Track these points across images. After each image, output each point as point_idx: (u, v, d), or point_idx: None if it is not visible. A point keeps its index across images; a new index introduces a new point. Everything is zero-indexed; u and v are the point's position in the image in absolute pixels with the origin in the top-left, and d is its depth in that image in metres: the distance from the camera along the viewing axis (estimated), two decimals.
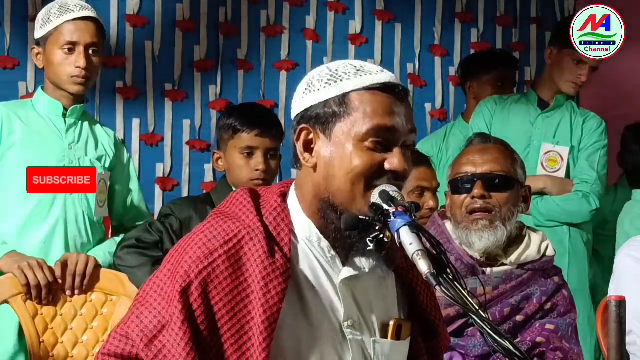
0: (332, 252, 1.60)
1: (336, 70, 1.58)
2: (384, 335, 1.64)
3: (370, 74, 1.56)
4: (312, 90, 1.59)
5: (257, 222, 1.57)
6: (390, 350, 1.64)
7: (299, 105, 1.61)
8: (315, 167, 1.58)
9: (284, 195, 1.64)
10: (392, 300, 1.69)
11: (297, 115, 1.61)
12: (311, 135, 1.58)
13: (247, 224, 1.57)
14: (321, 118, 1.56)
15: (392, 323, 1.64)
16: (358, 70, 1.57)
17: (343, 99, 1.55)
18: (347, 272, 1.59)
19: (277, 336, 1.52)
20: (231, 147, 2.73)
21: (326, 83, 1.57)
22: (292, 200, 1.63)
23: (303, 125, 1.59)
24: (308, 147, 1.59)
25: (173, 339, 1.49)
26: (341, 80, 1.56)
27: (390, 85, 1.56)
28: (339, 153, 1.54)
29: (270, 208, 1.60)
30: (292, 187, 1.65)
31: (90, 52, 2.67)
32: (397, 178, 1.55)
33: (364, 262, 1.60)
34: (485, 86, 3.88)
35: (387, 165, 1.54)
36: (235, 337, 1.51)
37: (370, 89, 1.55)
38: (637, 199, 3.33)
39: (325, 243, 1.59)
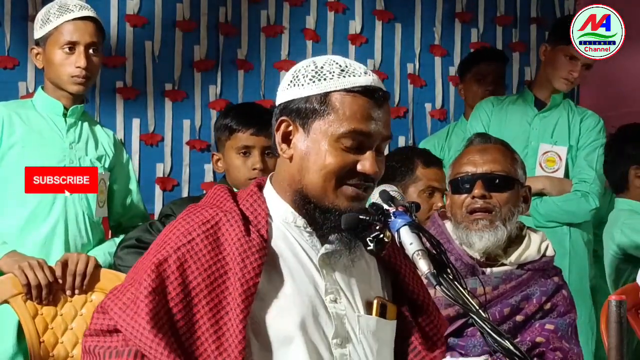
0: (309, 229, 1.65)
1: (322, 67, 1.63)
2: (369, 312, 1.67)
3: (353, 76, 1.61)
4: (296, 84, 1.64)
5: (234, 207, 1.64)
6: (376, 327, 1.66)
7: (282, 96, 1.68)
8: (291, 158, 1.65)
9: (259, 187, 1.71)
10: (376, 281, 1.73)
11: (279, 105, 1.68)
12: (290, 128, 1.65)
13: (224, 209, 1.63)
14: (301, 113, 1.62)
15: (375, 301, 1.68)
16: (342, 71, 1.62)
17: (324, 98, 1.61)
18: (326, 248, 1.64)
19: (256, 308, 1.57)
20: (228, 148, 2.74)
21: (310, 79, 1.63)
22: (268, 189, 1.70)
23: (283, 117, 1.65)
24: (286, 138, 1.66)
25: (140, 308, 1.52)
26: (324, 79, 1.62)
27: (371, 89, 1.61)
28: (314, 149, 1.61)
29: (247, 196, 1.68)
30: (268, 178, 1.72)
31: (90, 51, 2.67)
32: (367, 180, 1.62)
33: (343, 241, 1.65)
34: (469, 85, 3.91)
35: (359, 167, 1.61)
36: (213, 311, 1.55)
37: (351, 91, 1.60)
38: (621, 208, 3.30)
39: (301, 221, 1.65)
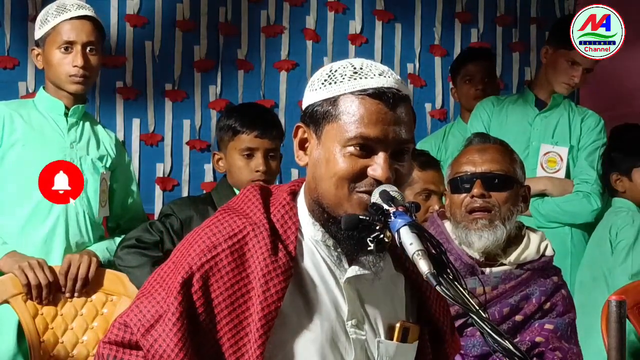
0: (338, 250, 1.60)
1: (335, 70, 1.59)
2: (390, 337, 1.64)
3: (365, 78, 1.56)
4: (312, 90, 1.61)
5: (264, 219, 1.58)
6: (395, 352, 1.64)
7: (304, 102, 1.64)
8: (306, 166, 1.61)
9: (294, 194, 1.65)
10: (400, 302, 1.69)
11: (302, 112, 1.64)
12: (306, 134, 1.61)
13: (253, 220, 1.58)
14: (314, 118, 1.58)
15: (398, 325, 1.64)
16: (355, 73, 1.57)
17: (335, 102, 1.56)
18: (353, 271, 1.60)
19: (277, 332, 1.53)
20: (231, 149, 2.73)
21: (323, 83, 1.58)
22: (301, 199, 1.64)
23: (299, 123, 1.62)
24: (303, 145, 1.62)
25: (169, 329, 1.50)
26: (335, 83, 1.57)
27: (382, 91, 1.54)
28: (325, 155, 1.56)
29: (279, 205, 1.61)
30: (303, 186, 1.66)
31: (88, 50, 2.67)
32: (380, 185, 1.53)
33: (371, 263, 1.60)
34: (461, 87, 3.92)
35: (369, 172, 1.54)
36: (233, 331, 1.52)
37: (361, 93, 1.54)
38: (618, 206, 3.33)
39: (331, 241, 1.60)
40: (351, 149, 1.53)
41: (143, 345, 1.52)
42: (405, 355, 1.67)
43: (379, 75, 1.57)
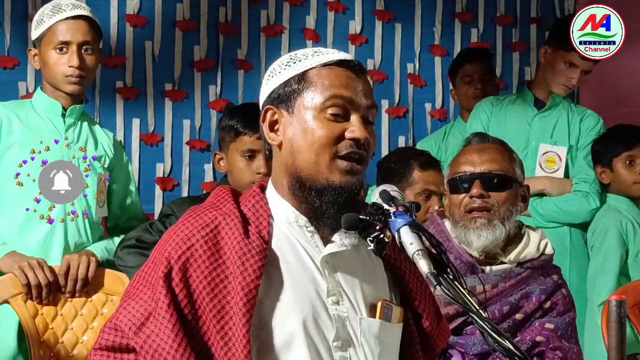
0: (311, 228, 1.63)
1: (295, 54, 1.68)
2: (372, 315, 1.65)
3: (327, 54, 1.65)
4: (273, 75, 1.67)
5: (234, 209, 1.63)
6: (379, 331, 1.64)
7: (263, 92, 1.69)
8: (280, 145, 1.65)
9: (262, 188, 1.70)
10: (382, 283, 1.71)
11: (263, 102, 1.69)
12: (276, 116, 1.65)
13: (223, 211, 1.63)
14: (282, 96, 1.64)
15: (380, 303, 1.66)
16: (315, 52, 1.66)
17: (302, 77, 1.63)
18: (329, 249, 1.63)
19: (258, 312, 1.55)
20: (232, 149, 2.73)
21: (286, 65, 1.66)
22: (270, 189, 1.69)
23: (267, 106, 1.66)
24: (273, 127, 1.66)
25: (160, 323, 1.52)
26: (299, 61, 1.65)
27: (345, 61, 1.64)
28: (301, 126, 1.61)
29: (249, 197, 1.67)
30: (270, 180, 1.71)
31: (84, 50, 2.66)
32: (359, 147, 1.60)
33: (345, 241, 1.63)
34: (459, 87, 3.93)
35: (347, 135, 1.60)
36: (217, 317, 1.54)
37: (326, 65, 1.63)
38: (610, 203, 3.35)
39: (303, 219, 1.64)
40: (327, 112, 1.60)
41: (136, 343, 1.53)
42: (389, 335, 1.67)
43: (337, 52, 1.67)
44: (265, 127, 1.66)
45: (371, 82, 1.68)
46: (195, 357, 1.51)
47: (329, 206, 1.59)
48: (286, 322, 1.57)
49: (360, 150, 1.60)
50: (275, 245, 1.62)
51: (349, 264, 1.65)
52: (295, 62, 1.65)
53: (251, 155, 2.68)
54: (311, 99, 1.61)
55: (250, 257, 1.56)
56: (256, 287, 1.54)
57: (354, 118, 1.61)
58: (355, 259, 1.67)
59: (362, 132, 1.59)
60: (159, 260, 1.57)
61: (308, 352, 1.56)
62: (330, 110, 1.60)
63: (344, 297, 1.63)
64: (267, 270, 1.58)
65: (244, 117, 2.74)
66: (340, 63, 1.63)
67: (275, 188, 1.67)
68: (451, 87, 4.06)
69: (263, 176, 2.67)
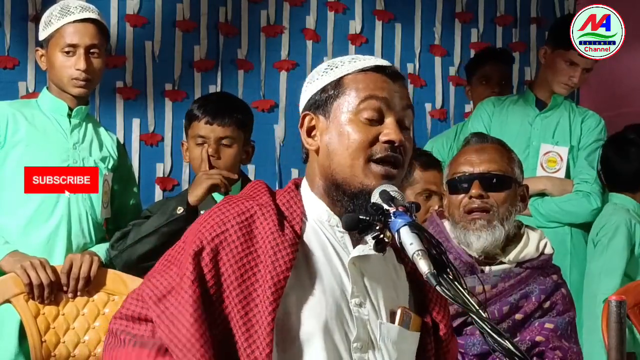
0: (342, 230, 1.65)
1: (333, 62, 1.70)
2: (392, 321, 1.66)
3: (364, 60, 1.67)
4: (311, 82, 1.70)
5: (271, 201, 1.64)
6: (397, 337, 1.65)
7: (302, 99, 1.71)
8: (318, 150, 1.66)
9: (296, 185, 1.73)
10: (403, 291, 1.72)
11: (302, 109, 1.71)
12: (313, 121, 1.67)
13: (259, 202, 1.64)
14: (319, 102, 1.66)
15: (399, 311, 1.67)
16: (353, 59, 1.68)
17: (338, 82, 1.65)
18: (357, 251, 1.64)
19: (283, 303, 1.56)
20: (190, 137, 2.73)
21: (323, 72, 1.68)
22: (304, 187, 1.71)
23: (305, 112, 1.68)
24: (310, 132, 1.68)
25: (181, 297, 1.54)
26: (336, 67, 1.67)
27: (381, 67, 1.66)
28: (337, 130, 1.63)
29: (284, 192, 1.69)
30: (304, 178, 1.73)
31: (91, 53, 2.67)
32: (394, 150, 1.61)
33: (374, 246, 1.62)
34: (475, 87, 3.92)
35: (382, 137, 1.61)
36: (242, 302, 1.55)
37: (362, 70, 1.65)
38: (615, 202, 3.35)
39: (335, 220, 1.65)
40: (362, 116, 1.61)
41: (154, 311, 1.55)
42: (407, 342, 1.68)
43: (375, 58, 1.68)
44: (303, 132, 1.68)
45: None
46: (213, 338, 1.52)
47: (362, 210, 1.59)
48: (309, 317, 1.58)
49: (395, 153, 1.61)
50: (306, 241, 1.64)
51: (374, 268, 1.66)
52: (332, 69, 1.67)
53: (203, 142, 2.68)
54: (346, 102, 1.63)
55: (282, 249, 1.57)
56: (285, 278, 1.55)
57: (389, 120, 1.62)
58: (381, 264, 1.68)
59: (397, 134, 1.60)
60: (191, 240, 1.59)
61: (326, 350, 1.57)
62: (365, 114, 1.61)
63: (367, 300, 1.64)
64: (296, 265, 1.59)
65: (200, 103, 2.73)
66: (376, 68, 1.65)
67: (310, 187, 1.69)
68: (467, 85, 4.03)
69: (214, 161, 2.66)
